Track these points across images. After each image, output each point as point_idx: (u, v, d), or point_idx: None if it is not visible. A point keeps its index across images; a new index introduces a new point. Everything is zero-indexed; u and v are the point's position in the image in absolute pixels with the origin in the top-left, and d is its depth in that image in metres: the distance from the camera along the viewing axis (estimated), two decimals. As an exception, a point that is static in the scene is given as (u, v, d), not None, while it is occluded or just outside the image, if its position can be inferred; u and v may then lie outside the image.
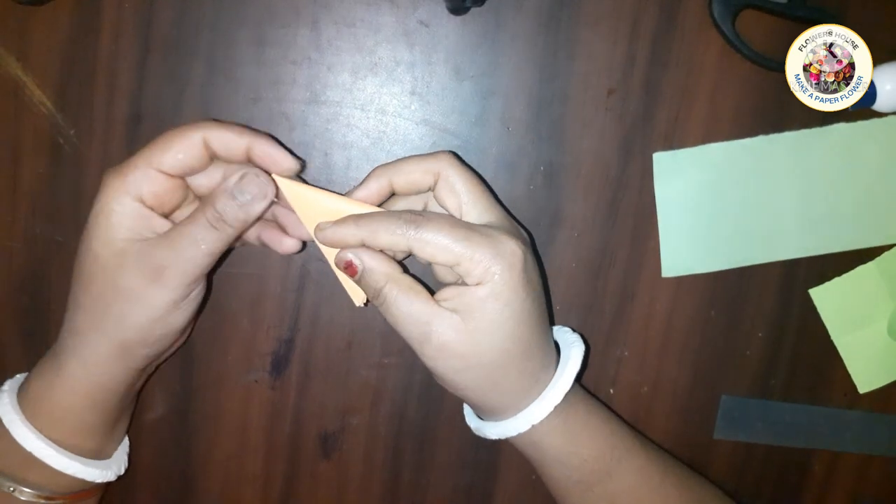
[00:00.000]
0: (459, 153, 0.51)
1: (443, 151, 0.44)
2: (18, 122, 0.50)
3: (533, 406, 0.43)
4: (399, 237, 0.41)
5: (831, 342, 0.54)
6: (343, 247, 0.42)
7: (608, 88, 0.51)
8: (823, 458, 0.56)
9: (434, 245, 0.40)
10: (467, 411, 0.49)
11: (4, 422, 0.43)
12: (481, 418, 0.47)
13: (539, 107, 0.51)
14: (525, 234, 0.44)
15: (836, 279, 0.53)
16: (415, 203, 0.45)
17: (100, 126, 0.50)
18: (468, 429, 0.54)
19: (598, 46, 0.51)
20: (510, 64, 0.51)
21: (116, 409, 0.46)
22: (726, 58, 0.51)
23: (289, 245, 0.46)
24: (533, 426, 0.43)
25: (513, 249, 0.41)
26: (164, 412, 0.53)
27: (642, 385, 0.54)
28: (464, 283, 0.41)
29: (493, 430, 0.45)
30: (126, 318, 0.42)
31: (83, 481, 0.45)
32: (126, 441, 0.50)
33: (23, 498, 0.43)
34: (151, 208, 0.42)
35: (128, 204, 0.41)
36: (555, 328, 0.48)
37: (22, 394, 0.44)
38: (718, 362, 0.54)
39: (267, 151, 0.42)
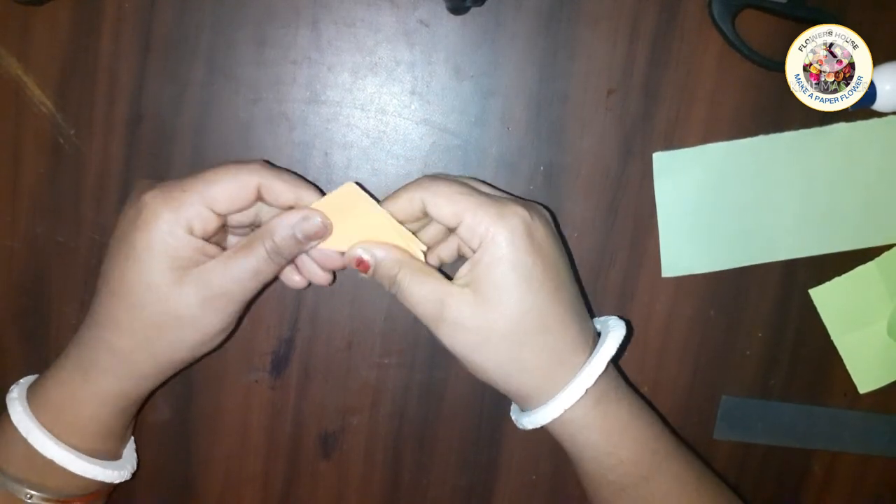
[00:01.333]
0: (459, 153, 0.51)
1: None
2: (19, 122, 0.50)
3: (565, 391, 0.42)
4: (412, 197, 0.42)
5: (831, 342, 0.54)
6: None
7: (608, 88, 0.51)
8: (823, 458, 0.56)
9: (442, 196, 0.42)
10: (513, 407, 0.48)
11: (21, 430, 0.43)
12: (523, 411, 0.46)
13: (539, 107, 0.51)
14: (543, 211, 0.44)
15: (836, 279, 0.53)
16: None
17: (100, 126, 0.50)
18: (468, 429, 0.54)
19: (597, 46, 0.51)
20: (510, 64, 0.51)
21: (135, 413, 0.47)
22: (726, 58, 0.51)
23: (298, 282, 0.47)
24: (567, 415, 0.42)
25: (516, 212, 0.41)
26: (165, 412, 0.53)
27: (642, 385, 0.54)
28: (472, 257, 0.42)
29: (528, 420, 0.44)
30: (178, 343, 0.43)
31: (100, 482, 0.45)
32: (132, 438, 0.50)
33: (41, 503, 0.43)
34: (200, 237, 0.42)
35: (182, 237, 0.41)
36: (601, 318, 0.47)
37: (39, 401, 0.44)
38: (718, 362, 0.54)
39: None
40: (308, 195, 0.44)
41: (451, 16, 0.50)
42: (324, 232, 0.43)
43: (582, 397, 0.42)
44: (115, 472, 0.46)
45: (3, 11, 0.49)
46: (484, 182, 0.46)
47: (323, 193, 0.44)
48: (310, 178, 0.51)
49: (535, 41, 0.50)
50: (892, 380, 0.55)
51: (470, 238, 0.42)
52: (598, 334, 0.45)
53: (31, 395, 0.44)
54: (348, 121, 0.51)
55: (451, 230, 0.44)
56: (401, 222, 0.43)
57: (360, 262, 0.43)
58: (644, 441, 0.45)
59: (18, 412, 0.43)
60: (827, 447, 0.56)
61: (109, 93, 0.50)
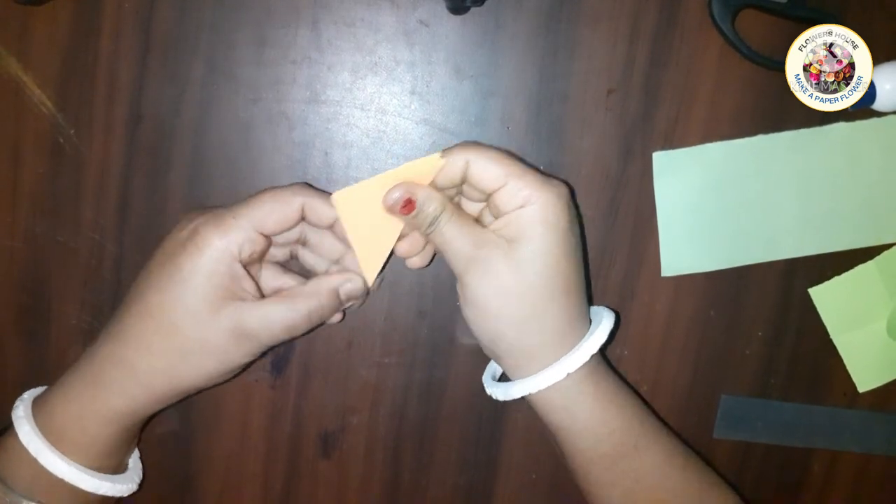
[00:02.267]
0: (459, 153, 0.51)
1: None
2: (19, 122, 0.50)
3: (569, 355, 0.43)
4: (457, 158, 0.43)
5: (831, 341, 0.54)
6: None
7: (608, 88, 0.51)
8: (823, 458, 0.56)
9: (487, 159, 0.43)
10: (486, 378, 0.48)
11: (30, 450, 0.42)
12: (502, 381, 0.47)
13: (539, 107, 0.51)
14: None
15: (836, 278, 0.53)
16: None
17: (100, 126, 0.50)
18: (468, 429, 0.54)
19: (597, 46, 0.51)
20: (510, 64, 0.51)
21: (140, 430, 0.47)
22: (726, 58, 0.51)
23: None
24: (566, 382, 0.43)
25: (560, 184, 0.43)
26: (165, 412, 0.53)
27: (642, 384, 0.54)
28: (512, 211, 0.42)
29: (523, 386, 0.44)
30: (200, 370, 0.43)
31: (105, 496, 0.45)
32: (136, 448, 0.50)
33: None
34: (246, 260, 0.43)
35: (230, 265, 0.42)
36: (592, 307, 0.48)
37: (45, 418, 0.43)
38: (718, 362, 0.54)
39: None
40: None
41: (451, 16, 0.50)
42: (363, 295, 0.46)
43: (578, 368, 0.43)
44: (123, 486, 0.46)
45: (2, 11, 0.49)
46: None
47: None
48: (309, 178, 0.51)
49: (535, 41, 0.50)
50: (891, 379, 0.55)
51: (510, 199, 0.42)
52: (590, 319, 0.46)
53: (37, 410, 0.44)
54: (348, 120, 0.51)
55: (485, 195, 0.44)
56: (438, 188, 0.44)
57: (407, 203, 0.43)
58: (633, 412, 0.46)
59: (26, 431, 0.43)
60: (827, 446, 0.56)
61: (109, 93, 0.50)
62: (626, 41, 0.51)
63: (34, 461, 0.42)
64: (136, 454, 0.50)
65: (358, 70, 0.51)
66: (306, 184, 0.46)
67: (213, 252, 0.42)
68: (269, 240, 0.44)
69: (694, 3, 0.51)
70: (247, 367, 0.46)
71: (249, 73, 0.50)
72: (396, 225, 0.45)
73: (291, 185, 0.45)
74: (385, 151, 0.51)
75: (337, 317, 0.48)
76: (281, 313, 0.43)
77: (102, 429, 0.44)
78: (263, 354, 0.45)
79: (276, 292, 0.45)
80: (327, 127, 0.51)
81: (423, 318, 0.53)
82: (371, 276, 0.46)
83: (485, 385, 0.48)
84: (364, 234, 0.45)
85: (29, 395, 0.45)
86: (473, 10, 0.50)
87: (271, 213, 0.43)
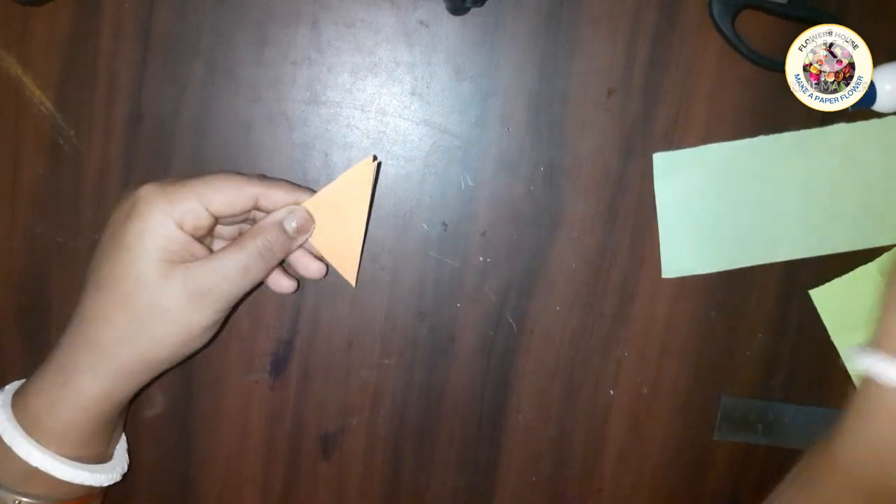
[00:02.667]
0: (459, 154, 0.51)
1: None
2: (19, 123, 0.50)
3: None
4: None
5: (831, 343, 0.54)
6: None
7: (608, 89, 0.51)
8: (823, 459, 0.56)
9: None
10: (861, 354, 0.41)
11: (4, 438, 0.42)
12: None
13: (539, 107, 0.51)
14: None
15: (836, 280, 0.53)
16: None
17: (100, 126, 0.50)
18: (468, 429, 0.54)
19: (597, 47, 0.51)
20: (510, 64, 0.51)
21: (121, 416, 0.47)
22: (726, 58, 0.51)
23: (287, 286, 0.49)
24: None
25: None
26: (165, 412, 0.53)
27: (642, 386, 0.54)
28: None
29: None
30: (163, 338, 0.43)
31: (89, 486, 0.45)
32: (123, 438, 0.50)
33: None
34: (189, 234, 0.43)
35: (173, 229, 0.42)
36: None
37: (21, 406, 0.43)
38: (718, 363, 0.54)
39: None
40: (305, 198, 0.45)
41: (451, 16, 0.50)
42: (309, 224, 0.45)
43: None
44: (102, 476, 0.45)
45: (2, 12, 0.49)
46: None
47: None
48: (309, 179, 0.51)
49: (534, 41, 0.50)
50: (892, 380, 0.55)
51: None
52: None
53: (15, 401, 0.44)
54: (348, 121, 0.51)
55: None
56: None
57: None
58: None
59: (2, 420, 0.43)
60: (827, 447, 0.56)
61: (109, 93, 0.50)
62: (626, 41, 0.51)
63: (9, 450, 0.42)
64: (122, 444, 0.49)
65: (358, 71, 0.51)
66: (264, 175, 0.46)
67: (156, 216, 0.42)
68: (215, 218, 0.44)
69: (694, 3, 0.51)
70: (217, 332, 0.45)
71: (249, 74, 0.50)
72: (360, 222, 0.46)
73: (252, 175, 0.45)
74: (385, 152, 0.51)
75: (318, 269, 0.48)
76: (231, 260, 0.43)
77: (77, 415, 0.43)
78: (232, 313, 0.46)
79: None
80: (327, 128, 0.51)
81: (422, 318, 0.53)
82: (352, 277, 0.48)
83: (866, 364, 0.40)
84: (330, 240, 0.47)
85: (11, 387, 0.45)
86: (473, 10, 0.50)
87: (222, 194, 0.43)
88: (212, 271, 0.42)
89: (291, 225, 0.45)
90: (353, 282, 0.48)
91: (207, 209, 0.43)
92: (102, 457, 0.47)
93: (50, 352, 0.44)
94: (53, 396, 0.43)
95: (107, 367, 0.43)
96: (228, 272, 0.43)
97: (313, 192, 0.46)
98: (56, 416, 0.43)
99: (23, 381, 0.46)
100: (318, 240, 0.46)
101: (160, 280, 0.42)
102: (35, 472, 0.43)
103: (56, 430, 0.43)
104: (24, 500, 0.43)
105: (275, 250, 0.44)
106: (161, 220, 0.42)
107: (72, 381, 0.43)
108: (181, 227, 0.42)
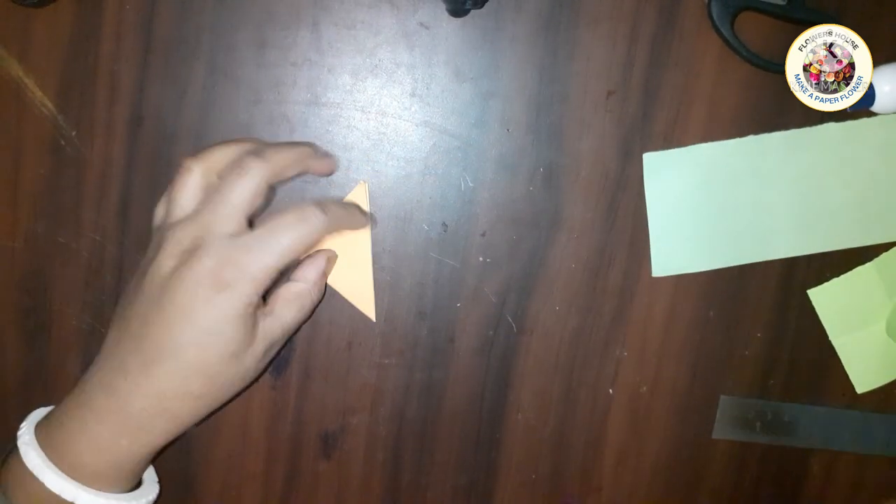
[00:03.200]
0: (459, 155, 0.52)
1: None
2: (20, 124, 0.50)
3: None
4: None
5: (829, 342, 0.54)
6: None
7: (607, 90, 0.51)
8: (822, 458, 0.56)
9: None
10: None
11: (49, 486, 0.42)
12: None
13: (538, 108, 0.51)
14: None
15: (835, 280, 0.54)
16: None
17: (101, 127, 0.50)
18: (468, 429, 0.54)
19: (597, 48, 0.51)
20: (510, 66, 0.51)
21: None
22: (725, 59, 0.51)
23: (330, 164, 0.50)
24: None
25: None
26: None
27: (641, 385, 0.54)
28: None
29: None
30: (237, 392, 0.45)
31: None
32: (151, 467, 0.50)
33: None
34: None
35: (256, 298, 0.43)
36: None
37: (67, 457, 0.43)
38: (717, 362, 0.54)
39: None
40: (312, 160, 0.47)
41: (451, 18, 0.50)
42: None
43: None
44: (147, 499, 0.46)
45: (4, 13, 0.49)
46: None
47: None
48: (309, 180, 0.51)
49: (534, 43, 0.51)
50: (890, 379, 0.55)
51: None
52: None
53: (54, 446, 0.43)
54: (349, 123, 0.51)
55: None
56: None
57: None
58: None
59: (36, 463, 0.42)
60: (825, 447, 0.56)
61: (110, 94, 0.50)
62: (626, 43, 0.51)
63: (46, 489, 0.42)
64: (150, 471, 0.49)
65: (358, 72, 0.51)
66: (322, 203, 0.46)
67: (246, 302, 0.42)
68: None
69: (693, 5, 0.51)
70: None
71: (250, 75, 0.50)
72: (366, 252, 0.50)
73: (315, 204, 0.45)
74: (385, 153, 0.51)
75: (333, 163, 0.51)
76: (295, 317, 0.46)
77: (139, 465, 0.44)
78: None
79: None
80: (328, 129, 0.51)
81: (422, 319, 0.53)
82: (371, 312, 0.52)
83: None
84: (343, 277, 0.51)
85: (35, 417, 0.45)
86: (473, 12, 0.50)
87: (297, 251, 0.44)
88: (280, 327, 0.45)
89: (328, 270, 0.49)
90: (372, 317, 0.52)
91: (279, 271, 0.44)
92: (135, 484, 0.46)
93: (86, 394, 0.43)
94: (118, 456, 0.43)
95: (176, 431, 0.44)
96: (290, 327, 0.46)
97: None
98: (116, 469, 0.43)
99: (43, 410, 0.45)
100: (330, 278, 0.50)
101: (247, 349, 0.43)
102: (58, 501, 0.42)
103: (98, 474, 0.43)
104: None
105: (321, 294, 0.48)
106: (250, 301, 0.42)
107: (141, 441, 0.43)
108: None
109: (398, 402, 0.54)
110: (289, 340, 0.52)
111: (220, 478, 0.54)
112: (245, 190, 0.43)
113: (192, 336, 0.42)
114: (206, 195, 0.44)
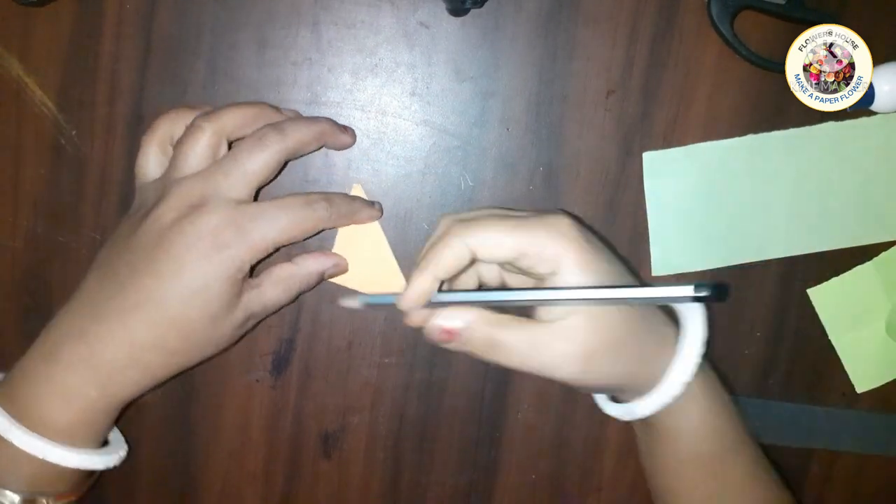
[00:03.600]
0: (459, 154, 0.52)
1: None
2: (20, 123, 0.50)
3: (675, 366, 0.43)
4: (459, 248, 0.41)
5: (829, 342, 0.54)
6: (426, 296, 0.42)
7: (607, 89, 0.51)
8: (822, 458, 0.56)
9: (491, 242, 0.40)
10: (600, 401, 0.48)
11: (17, 444, 0.42)
12: (619, 402, 0.47)
13: (538, 108, 0.51)
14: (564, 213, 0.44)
15: (834, 279, 0.54)
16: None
17: (101, 127, 0.50)
18: (468, 429, 0.54)
19: (597, 48, 0.51)
20: (510, 65, 0.51)
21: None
22: (725, 59, 0.51)
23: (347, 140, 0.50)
24: (687, 385, 0.43)
25: (565, 223, 0.41)
26: (165, 412, 0.53)
27: (641, 385, 0.54)
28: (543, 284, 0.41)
29: (646, 408, 0.44)
30: (208, 355, 0.45)
31: (87, 472, 0.45)
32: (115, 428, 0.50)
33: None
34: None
35: (246, 269, 0.44)
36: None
37: (26, 407, 0.43)
38: (717, 362, 0.54)
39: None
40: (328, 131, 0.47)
41: (451, 17, 0.50)
42: (345, 272, 0.49)
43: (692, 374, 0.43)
44: (111, 458, 0.46)
45: (4, 12, 0.49)
46: (493, 208, 0.46)
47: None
48: (310, 179, 0.51)
49: (534, 42, 0.51)
50: (890, 379, 0.55)
51: (535, 266, 0.41)
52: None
53: (13, 398, 0.43)
54: (349, 122, 0.51)
55: (500, 264, 0.44)
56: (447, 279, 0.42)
57: (448, 333, 0.42)
58: (732, 414, 0.46)
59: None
60: (825, 446, 0.56)
61: (110, 94, 0.50)
62: (626, 42, 0.51)
63: (10, 445, 0.42)
64: (116, 432, 0.49)
65: (358, 72, 0.51)
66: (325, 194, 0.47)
67: (238, 265, 0.43)
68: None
69: (693, 4, 0.51)
70: None
71: (250, 75, 0.50)
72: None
73: (322, 196, 0.46)
74: (385, 153, 0.51)
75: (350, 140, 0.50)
76: (278, 297, 0.46)
77: (108, 416, 0.44)
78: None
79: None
80: (328, 128, 0.51)
81: (423, 318, 0.53)
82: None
83: (600, 405, 0.48)
84: (368, 275, 0.50)
85: None
86: (473, 11, 0.50)
87: (289, 235, 0.44)
88: (262, 304, 0.45)
89: (328, 273, 0.48)
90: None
91: (276, 246, 0.44)
92: (97, 444, 0.46)
93: (52, 338, 0.43)
94: (85, 403, 0.43)
95: (148, 383, 0.44)
96: (271, 306, 0.46)
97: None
98: (84, 421, 0.43)
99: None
100: (355, 282, 0.49)
101: (226, 314, 0.44)
102: (27, 459, 0.42)
103: (68, 430, 0.43)
104: (9, 492, 0.42)
105: (309, 287, 0.48)
106: (241, 266, 0.43)
107: (109, 392, 0.43)
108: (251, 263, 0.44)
109: (398, 402, 0.54)
110: (281, 345, 0.53)
111: (220, 477, 0.54)
112: (260, 161, 0.44)
113: (179, 290, 0.42)
114: (214, 156, 0.45)
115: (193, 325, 0.43)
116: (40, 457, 0.42)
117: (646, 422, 0.46)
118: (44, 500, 0.43)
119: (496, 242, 0.40)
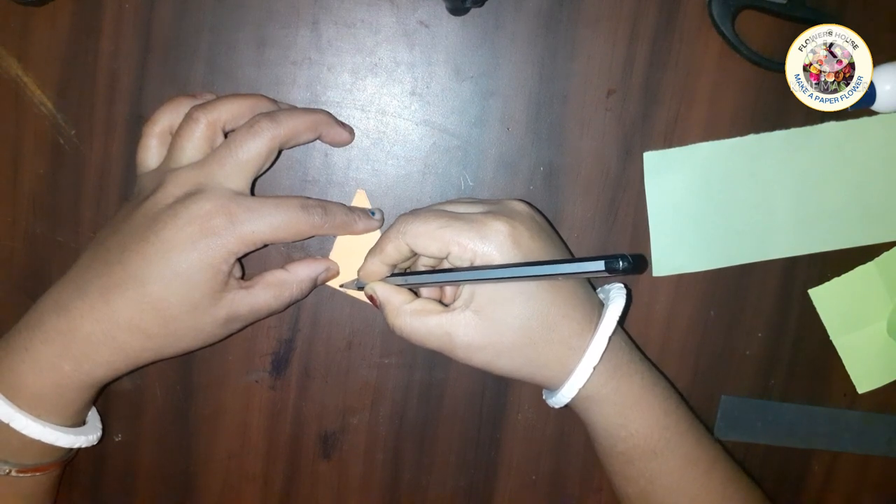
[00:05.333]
0: (459, 154, 0.51)
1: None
2: (19, 123, 0.50)
3: (576, 372, 0.44)
4: (398, 242, 0.44)
5: (830, 342, 0.54)
6: (376, 277, 0.47)
7: (608, 89, 0.51)
8: (823, 458, 0.56)
9: (424, 236, 0.43)
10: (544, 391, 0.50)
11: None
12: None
13: (539, 107, 0.51)
14: (522, 208, 0.45)
15: (836, 279, 0.53)
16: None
17: (100, 126, 0.50)
18: (468, 429, 0.54)
19: (597, 47, 0.51)
20: (510, 64, 0.51)
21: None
22: (726, 58, 0.51)
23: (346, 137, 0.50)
24: (582, 392, 0.44)
25: (497, 228, 0.43)
26: (165, 412, 0.53)
27: (642, 385, 0.54)
28: None
29: (554, 401, 0.46)
30: (189, 348, 0.45)
31: (64, 451, 0.46)
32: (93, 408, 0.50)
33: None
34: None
35: (233, 263, 0.44)
36: (605, 287, 0.48)
37: (12, 384, 0.43)
38: (718, 362, 0.54)
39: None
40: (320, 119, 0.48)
41: (451, 17, 0.50)
42: (337, 275, 0.50)
43: (593, 374, 0.44)
44: (90, 437, 0.47)
45: (3, 12, 0.49)
46: (461, 200, 0.48)
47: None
48: (309, 179, 0.51)
49: (534, 42, 0.51)
50: (891, 380, 0.55)
51: (461, 264, 0.43)
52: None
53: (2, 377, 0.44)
54: (348, 121, 0.51)
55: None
56: (394, 265, 0.46)
57: (372, 299, 0.47)
58: (655, 416, 0.46)
59: None
60: (826, 447, 0.56)
61: (109, 93, 0.50)
62: (626, 42, 0.51)
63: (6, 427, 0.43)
64: (94, 412, 0.50)
65: (358, 71, 0.51)
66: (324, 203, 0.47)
67: (225, 255, 0.43)
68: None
69: (693, 4, 0.51)
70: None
71: (250, 74, 0.50)
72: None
73: (320, 204, 0.46)
74: (385, 152, 0.51)
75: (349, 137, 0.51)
76: (268, 302, 0.46)
77: (80, 394, 0.45)
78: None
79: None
80: (327, 127, 0.51)
81: (422, 318, 0.53)
82: None
83: (543, 396, 0.49)
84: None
85: None
86: (473, 11, 0.50)
87: (284, 233, 0.44)
88: (249, 306, 0.45)
89: (321, 278, 0.49)
90: None
91: (265, 243, 0.45)
92: (75, 422, 0.47)
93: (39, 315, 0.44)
94: (61, 379, 0.43)
95: (124, 366, 0.45)
96: (261, 311, 0.46)
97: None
98: (60, 395, 0.44)
99: None
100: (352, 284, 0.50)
101: (209, 307, 0.44)
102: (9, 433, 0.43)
103: (58, 406, 0.44)
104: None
105: (300, 298, 0.48)
106: (227, 258, 0.43)
107: (84, 370, 0.44)
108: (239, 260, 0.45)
109: (398, 402, 0.54)
110: (281, 346, 0.52)
111: (219, 478, 0.54)
112: (253, 150, 0.44)
113: (162, 271, 0.42)
114: (210, 146, 0.45)
115: (172, 310, 0.43)
116: (5, 421, 0.42)
117: (575, 412, 0.47)
118: (6, 468, 0.44)
119: (424, 244, 0.43)
